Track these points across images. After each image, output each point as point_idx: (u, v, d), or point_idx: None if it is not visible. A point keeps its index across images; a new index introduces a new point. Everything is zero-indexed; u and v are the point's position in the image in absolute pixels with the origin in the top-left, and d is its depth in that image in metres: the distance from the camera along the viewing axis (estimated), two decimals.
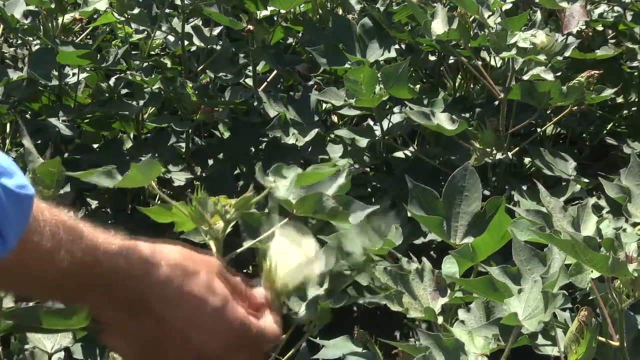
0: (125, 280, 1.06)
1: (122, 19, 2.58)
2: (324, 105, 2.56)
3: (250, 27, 2.55)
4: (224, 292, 1.12)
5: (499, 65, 2.41)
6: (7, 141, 2.60)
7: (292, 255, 1.18)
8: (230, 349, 1.13)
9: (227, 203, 1.23)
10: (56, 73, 2.60)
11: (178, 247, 1.14)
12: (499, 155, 2.25)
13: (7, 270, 0.98)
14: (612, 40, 2.64)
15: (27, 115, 2.69)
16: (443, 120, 2.21)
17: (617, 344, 1.42)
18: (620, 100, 2.70)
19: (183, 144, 2.63)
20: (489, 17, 2.27)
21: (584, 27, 2.56)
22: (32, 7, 2.59)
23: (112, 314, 1.11)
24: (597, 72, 2.24)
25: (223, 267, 1.17)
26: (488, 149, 2.24)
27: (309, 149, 2.47)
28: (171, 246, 1.13)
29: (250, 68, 2.68)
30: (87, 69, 2.66)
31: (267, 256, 1.19)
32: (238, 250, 1.27)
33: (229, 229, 1.25)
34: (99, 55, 2.54)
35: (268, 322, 1.16)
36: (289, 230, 1.21)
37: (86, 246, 1.02)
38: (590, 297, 1.64)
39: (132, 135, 2.73)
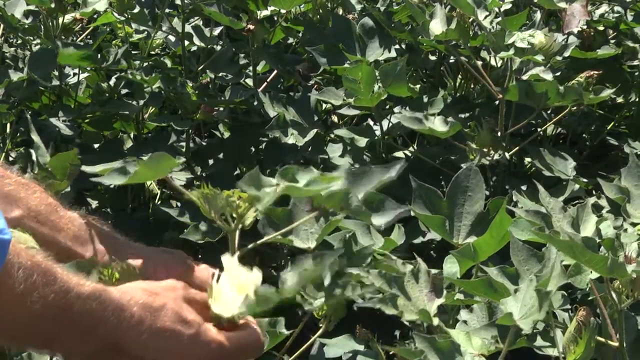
0: (98, 324, 1.07)
1: (122, 18, 2.58)
2: (324, 105, 2.56)
3: (251, 26, 2.54)
4: (194, 318, 1.14)
5: (498, 65, 2.41)
6: (8, 141, 2.60)
7: (228, 289, 1.18)
8: None
9: (239, 197, 1.22)
10: (56, 73, 2.60)
11: (141, 284, 1.15)
12: (496, 156, 2.24)
13: None
14: (613, 40, 2.64)
15: (28, 115, 2.68)
16: (436, 123, 2.21)
17: (616, 344, 1.42)
18: (620, 100, 2.69)
19: (183, 144, 2.63)
20: (486, 17, 2.27)
21: (584, 26, 2.56)
22: (32, 7, 2.59)
23: None
24: (596, 72, 2.24)
25: (188, 288, 1.18)
26: (485, 150, 2.23)
27: (309, 149, 2.47)
28: (133, 285, 1.14)
29: (250, 68, 2.68)
30: (88, 69, 2.66)
31: (209, 288, 1.20)
32: (249, 246, 1.27)
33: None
34: (99, 55, 2.54)
35: (243, 336, 1.17)
36: (234, 265, 1.21)
37: (59, 289, 1.03)
38: (590, 298, 1.64)
39: (132, 135, 2.73)
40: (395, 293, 1.27)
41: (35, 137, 1.51)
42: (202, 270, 1.29)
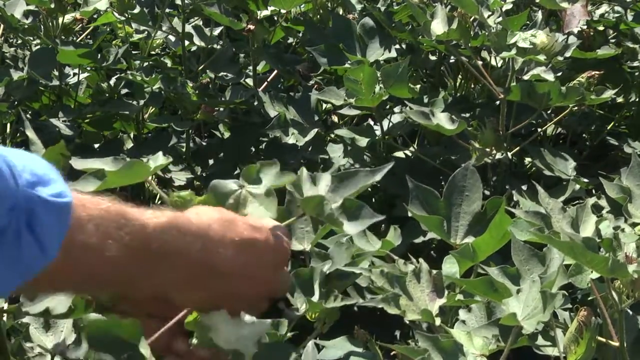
0: (182, 250, 1.05)
1: (123, 18, 2.58)
2: (324, 105, 2.56)
3: (251, 26, 2.54)
4: (263, 223, 1.14)
5: (499, 65, 2.41)
6: (8, 141, 2.60)
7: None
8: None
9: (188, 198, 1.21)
10: (56, 73, 2.60)
11: (211, 207, 1.14)
12: (498, 155, 2.24)
13: (57, 273, 0.98)
14: (613, 40, 2.64)
15: (28, 115, 2.68)
16: (443, 120, 2.21)
17: (617, 344, 1.42)
18: (620, 100, 2.69)
19: (183, 144, 2.63)
20: (488, 17, 2.27)
21: (584, 26, 2.56)
22: (32, 7, 2.59)
23: (176, 296, 1.12)
24: (597, 72, 2.24)
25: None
26: (487, 149, 2.24)
27: (309, 149, 2.47)
28: (204, 207, 1.14)
29: (251, 68, 2.68)
30: (88, 68, 2.66)
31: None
32: None
33: None
34: (99, 55, 2.54)
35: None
36: None
37: (134, 228, 1.02)
38: (591, 298, 1.64)
39: (132, 135, 2.73)
40: (398, 292, 1.27)
41: (30, 133, 1.51)
42: None
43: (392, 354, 1.49)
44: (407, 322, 1.61)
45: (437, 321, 1.27)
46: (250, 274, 1.12)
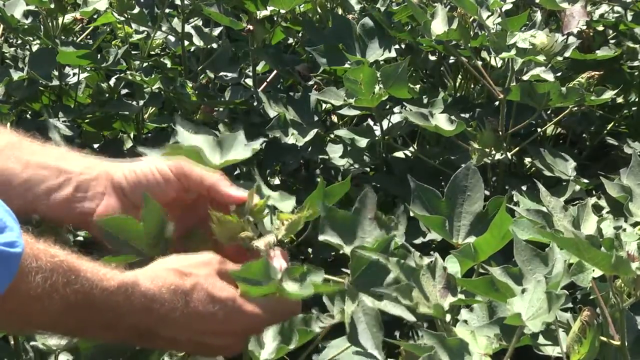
0: (126, 316, 1.07)
1: (122, 19, 2.58)
2: (324, 105, 2.56)
3: (250, 27, 2.55)
4: (227, 295, 1.14)
5: (499, 66, 2.41)
6: None
7: None
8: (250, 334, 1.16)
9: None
10: (56, 73, 2.60)
11: (173, 263, 1.15)
12: (498, 156, 2.25)
13: None
14: (613, 41, 2.64)
15: (28, 115, 2.69)
16: (442, 121, 2.21)
17: (618, 343, 1.42)
18: (620, 100, 2.70)
19: None
20: (488, 17, 2.27)
21: (584, 27, 2.56)
22: (32, 7, 2.59)
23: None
24: (597, 73, 2.25)
25: (224, 262, 1.18)
26: (487, 149, 2.24)
27: (309, 149, 2.47)
28: (165, 265, 1.14)
29: (250, 68, 2.68)
30: (88, 69, 2.66)
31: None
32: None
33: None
34: (99, 55, 2.54)
35: (278, 301, 1.19)
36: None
37: (81, 286, 1.03)
38: (591, 297, 1.64)
39: (132, 135, 2.73)
40: (412, 284, 1.27)
41: (53, 135, 1.53)
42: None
43: (395, 351, 1.49)
44: (407, 321, 1.60)
45: (447, 317, 1.27)
46: (201, 342, 1.14)
